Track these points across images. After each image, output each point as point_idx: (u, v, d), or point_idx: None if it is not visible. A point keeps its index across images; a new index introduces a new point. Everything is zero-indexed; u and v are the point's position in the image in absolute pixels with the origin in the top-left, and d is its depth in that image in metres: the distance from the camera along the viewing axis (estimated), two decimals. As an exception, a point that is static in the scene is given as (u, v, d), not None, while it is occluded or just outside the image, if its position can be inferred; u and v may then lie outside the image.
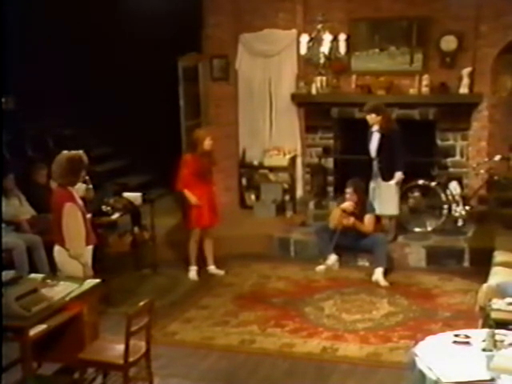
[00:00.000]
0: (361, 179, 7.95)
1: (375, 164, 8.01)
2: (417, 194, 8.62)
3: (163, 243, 8.37)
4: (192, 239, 7.76)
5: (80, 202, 5.59)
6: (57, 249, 5.52)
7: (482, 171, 8.55)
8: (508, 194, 8.60)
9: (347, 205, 7.77)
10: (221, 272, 7.93)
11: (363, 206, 7.83)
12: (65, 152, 5.53)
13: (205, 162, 7.59)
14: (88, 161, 5.64)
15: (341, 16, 8.90)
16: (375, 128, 7.93)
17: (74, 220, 5.42)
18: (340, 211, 7.79)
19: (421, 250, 8.10)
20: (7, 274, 4.86)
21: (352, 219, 7.75)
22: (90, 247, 5.71)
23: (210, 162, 7.68)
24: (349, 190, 7.82)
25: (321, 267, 7.93)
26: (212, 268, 7.94)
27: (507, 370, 3.90)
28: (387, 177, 7.91)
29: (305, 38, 8.30)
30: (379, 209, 7.98)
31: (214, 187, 7.89)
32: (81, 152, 5.62)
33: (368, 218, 7.80)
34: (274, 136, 9.67)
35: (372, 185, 8.08)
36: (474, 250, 7.89)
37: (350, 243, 7.85)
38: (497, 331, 4.27)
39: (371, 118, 7.89)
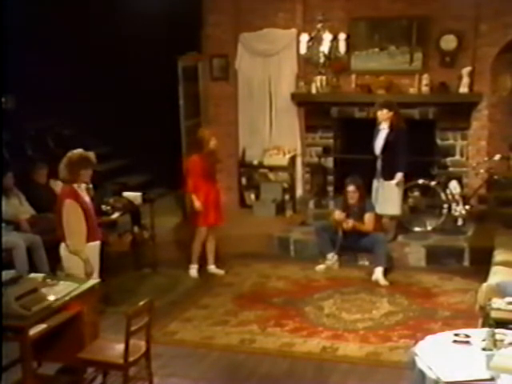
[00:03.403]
0: (361, 178, 7.94)
1: (379, 162, 8.00)
2: (417, 193, 8.63)
3: (163, 243, 8.36)
4: (197, 238, 7.75)
5: (86, 199, 5.66)
6: (62, 245, 5.60)
7: (481, 170, 8.55)
8: (508, 193, 8.61)
9: (338, 216, 7.80)
10: (221, 271, 7.93)
11: (363, 203, 7.83)
12: (78, 150, 5.62)
13: (211, 162, 7.62)
14: (95, 162, 5.76)
15: (340, 15, 8.90)
16: (384, 125, 7.91)
17: (73, 217, 5.48)
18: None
19: (421, 249, 8.10)
20: (7, 274, 4.86)
21: (351, 222, 7.75)
22: (97, 243, 5.78)
23: (215, 161, 7.70)
24: (351, 188, 7.82)
25: (321, 266, 7.93)
26: (212, 267, 7.94)
27: (507, 369, 3.90)
28: (388, 176, 7.90)
29: (304, 38, 8.31)
30: (381, 208, 7.98)
31: (218, 186, 7.89)
32: (89, 153, 5.73)
33: (368, 217, 7.80)
34: (274, 135, 9.67)
35: (375, 184, 8.07)
36: (474, 250, 7.89)
37: (350, 243, 7.85)
38: (497, 330, 4.27)
39: (382, 113, 7.87)
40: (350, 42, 8.60)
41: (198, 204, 7.60)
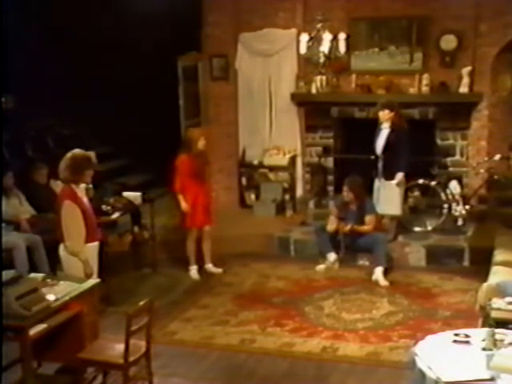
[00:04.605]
0: (361, 178, 7.94)
1: (380, 162, 8.00)
2: (417, 193, 8.63)
3: (163, 243, 8.37)
4: (189, 239, 7.75)
5: (85, 200, 5.64)
6: (61, 246, 5.59)
7: (481, 170, 8.55)
8: (508, 193, 8.60)
9: (331, 227, 7.81)
10: (219, 270, 7.92)
11: (362, 203, 7.83)
12: (75, 150, 5.61)
13: (199, 162, 7.58)
14: (96, 162, 5.75)
15: (340, 15, 8.90)
16: (385, 125, 7.90)
17: (71, 218, 5.46)
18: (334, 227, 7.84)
19: (421, 249, 8.10)
20: (7, 274, 4.85)
21: (348, 226, 7.75)
22: (96, 244, 5.76)
23: (204, 161, 7.68)
24: (344, 189, 7.85)
25: (321, 266, 7.93)
26: (210, 266, 7.94)
27: (507, 369, 3.90)
28: (389, 176, 7.89)
29: (304, 38, 8.30)
30: (382, 208, 7.98)
31: (210, 187, 7.87)
32: (90, 153, 5.74)
33: (369, 219, 7.79)
34: (274, 135, 9.67)
35: (376, 184, 8.06)
36: (474, 250, 7.89)
37: (350, 243, 7.86)
38: (497, 330, 4.27)
39: (384, 114, 7.86)
40: (350, 41, 8.58)
41: (184, 205, 7.57)
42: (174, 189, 7.63)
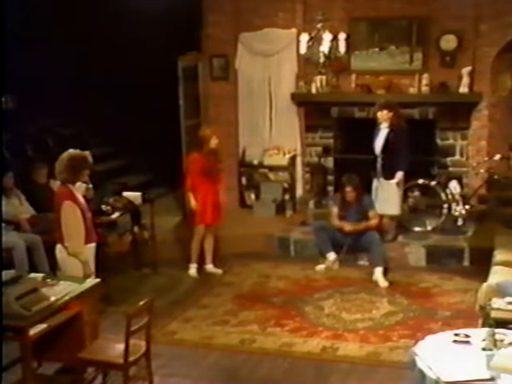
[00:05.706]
0: (361, 178, 7.94)
1: (379, 162, 8.00)
2: (417, 193, 8.61)
3: (163, 242, 8.35)
4: (196, 237, 7.77)
5: (82, 200, 5.63)
6: (58, 247, 5.56)
7: (481, 170, 8.55)
8: (508, 193, 8.60)
9: (335, 222, 7.85)
10: (218, 271, 7.93)
11: (360, 199, 7.85)
12: (71, 150, 5.59)
13: (211, 161, 7.63)
14: (92, 161, 5.73)
15: (341, 15, 8.90)
16: (384, 125, 7.91)
17: (71, 218, 5.44)
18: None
19: (421, 249, 8.10)
20: (7, 274, 4.86)
21: (350, 227, 7.77)
22: (93, 245, 5.74)
23: (215, 160, 7.71)
24: (348, 189, 7.84)
25: (321, 266, 7.93)
26: (210, 267, 7.95)
27: (507, 369, 3.90)
28: (389, 175, 7.89)
29: (304, 38, 8.30)
30: (381, 208, 7.98)
31: (219, 186, 7.89)
32: (86, 152, 5.72)
33: (373, 213, 7.83)
34: (274, 135, 9.67)
35: (375, 183, 8.06)
36: (474, 250, 7.89)
37: (347, 242, 7.85)
38: (497, 330, 4.27)
39: (382, 114, 7.86)
40: (349, 41, 8.58)
41: (193, 203, 7.62)
42: (185, 187, 7.67)
